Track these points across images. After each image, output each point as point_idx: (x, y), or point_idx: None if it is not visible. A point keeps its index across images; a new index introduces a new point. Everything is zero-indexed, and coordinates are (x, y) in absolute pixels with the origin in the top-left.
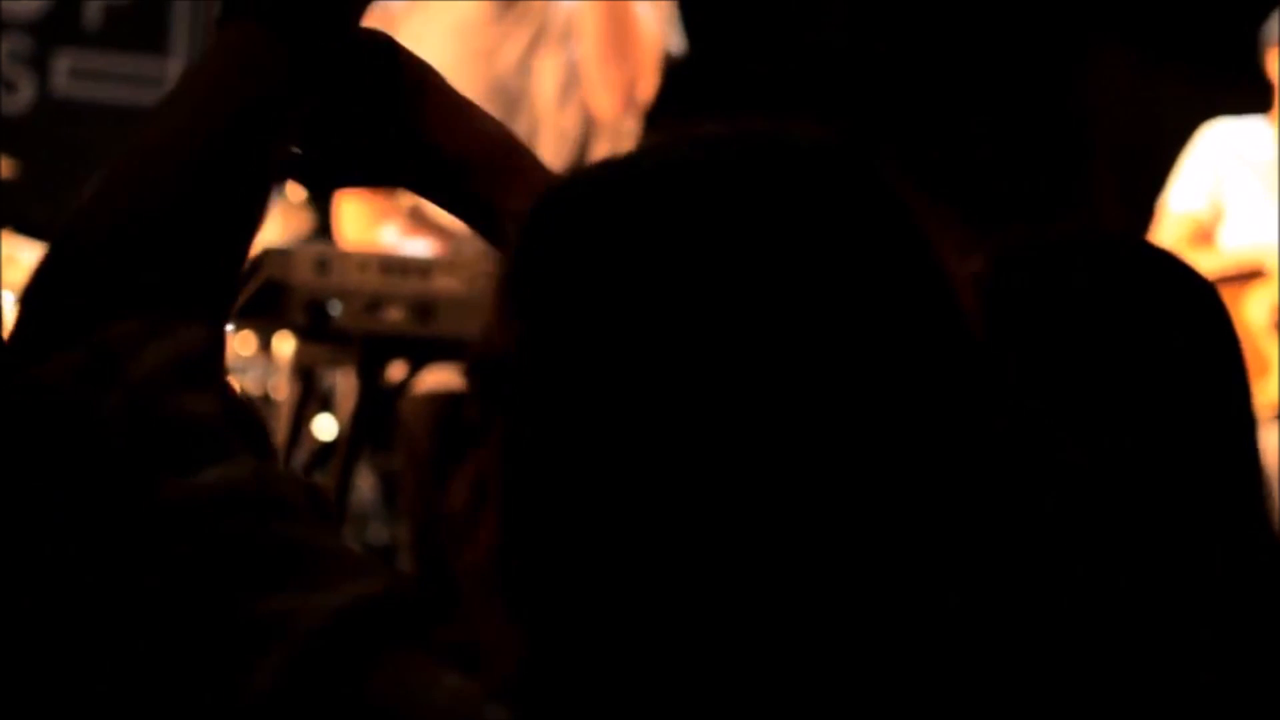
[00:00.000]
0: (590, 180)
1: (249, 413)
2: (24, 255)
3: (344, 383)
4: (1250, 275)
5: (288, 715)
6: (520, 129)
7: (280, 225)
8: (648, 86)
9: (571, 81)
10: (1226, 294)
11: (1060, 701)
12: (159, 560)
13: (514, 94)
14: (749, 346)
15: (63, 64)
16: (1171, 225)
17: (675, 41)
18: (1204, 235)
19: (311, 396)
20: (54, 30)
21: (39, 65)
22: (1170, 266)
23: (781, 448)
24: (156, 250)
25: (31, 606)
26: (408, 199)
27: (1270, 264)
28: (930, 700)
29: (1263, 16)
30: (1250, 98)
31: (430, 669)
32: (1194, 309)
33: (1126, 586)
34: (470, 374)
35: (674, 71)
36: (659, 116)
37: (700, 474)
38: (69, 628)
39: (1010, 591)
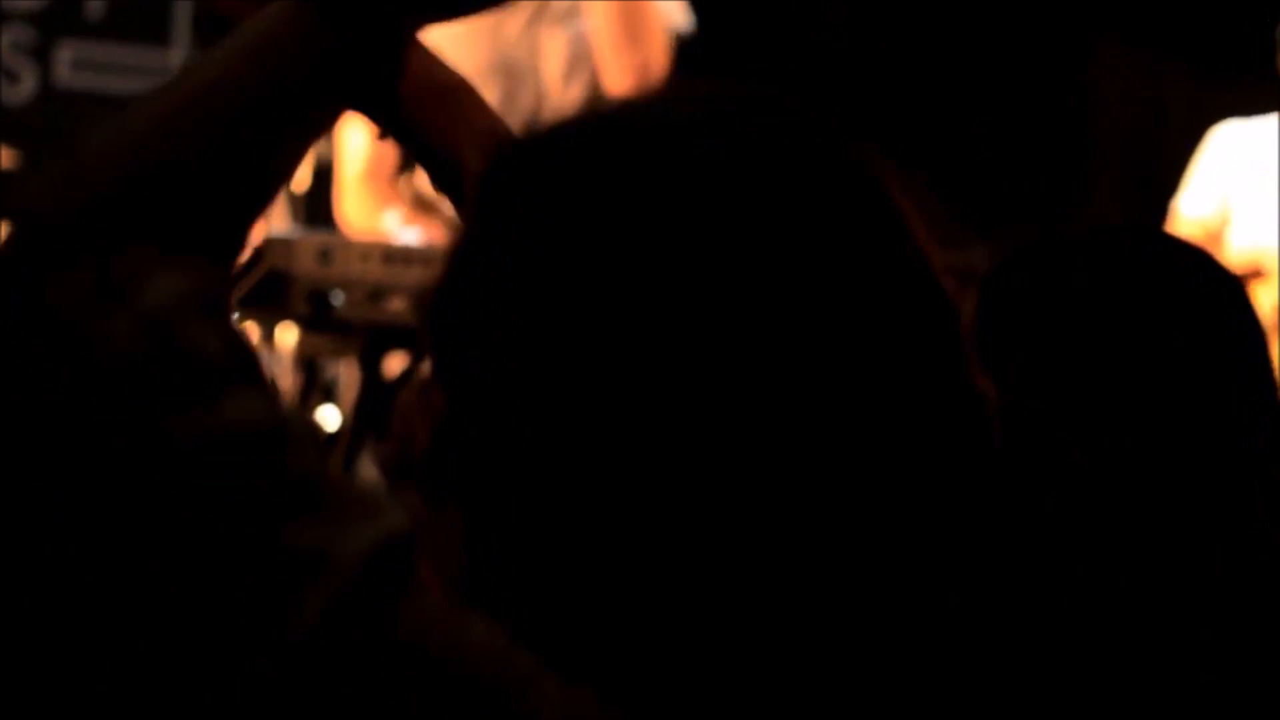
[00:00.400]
0: (549, 142)
1: (252, 351)
2: None
3: (347, 373)
4: (1250, 275)
5: (331, 652)
6: (525, 104)
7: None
8: (660, 68)
9: (577, 57)
10: None
11: (1060, 701)
12: (183, 494)
13: (518, 69)
14: (708, 316)
15: (65, 55)
16: (1183, 230)
17: (683, 20)
18: (1214, 240)
19: (314, 387)
20: (56, 21)
21: (41, 56)
22: (1179, 263)
23: (741, 428)
24: (164, 193)
25: (53, 548)
26: (409, 186)
27: (1270, 264)
28: (928, 700)
29: (1265, 15)
30: (1252, 97)
31: (459, 612)
32: (1200, 305)
33: (1127, 587)
34: (423, 327)
35: (675, 71)
36: None
37: (665, 459)
38: (97, 567)
39: (1010, 591)
